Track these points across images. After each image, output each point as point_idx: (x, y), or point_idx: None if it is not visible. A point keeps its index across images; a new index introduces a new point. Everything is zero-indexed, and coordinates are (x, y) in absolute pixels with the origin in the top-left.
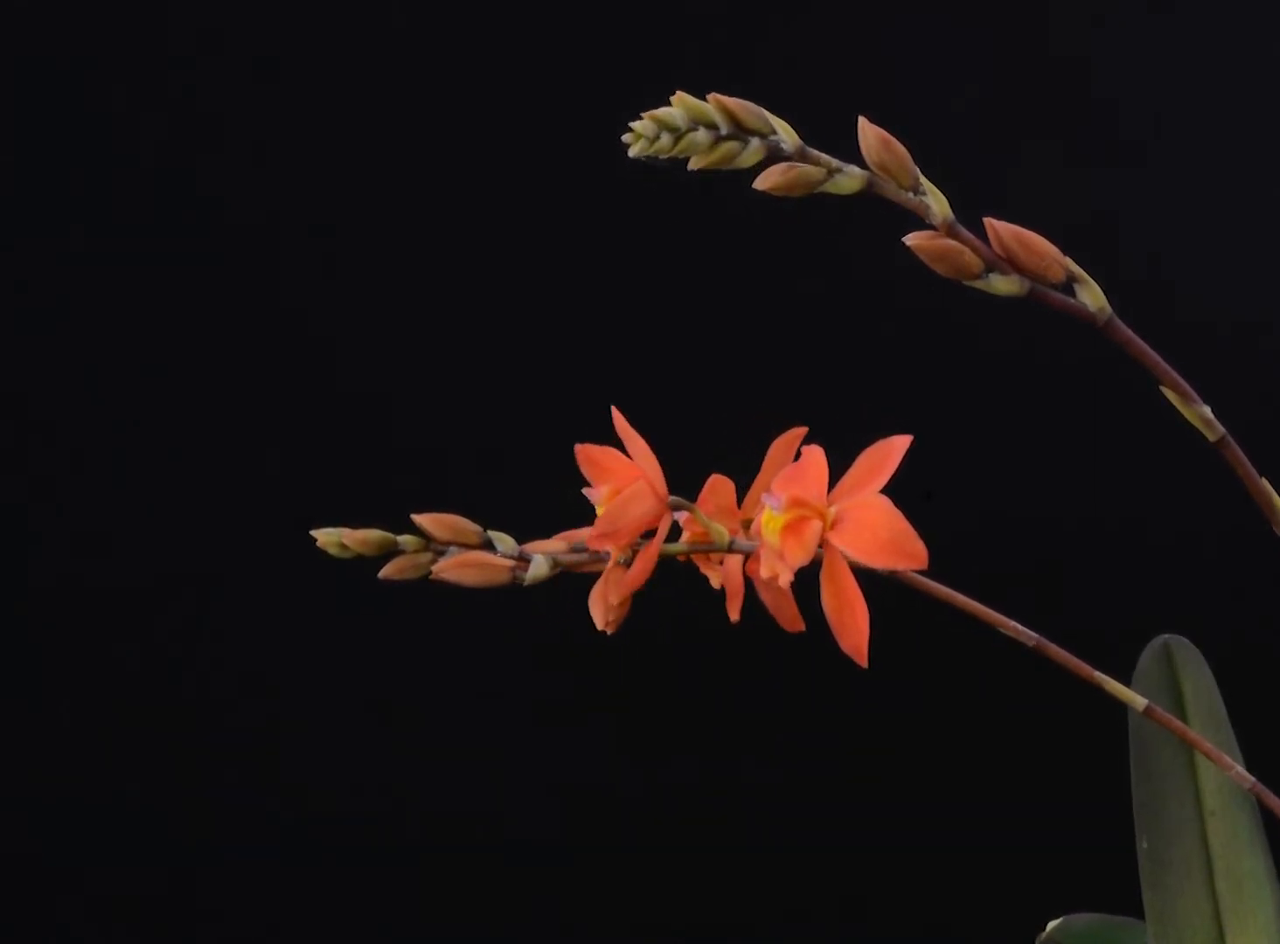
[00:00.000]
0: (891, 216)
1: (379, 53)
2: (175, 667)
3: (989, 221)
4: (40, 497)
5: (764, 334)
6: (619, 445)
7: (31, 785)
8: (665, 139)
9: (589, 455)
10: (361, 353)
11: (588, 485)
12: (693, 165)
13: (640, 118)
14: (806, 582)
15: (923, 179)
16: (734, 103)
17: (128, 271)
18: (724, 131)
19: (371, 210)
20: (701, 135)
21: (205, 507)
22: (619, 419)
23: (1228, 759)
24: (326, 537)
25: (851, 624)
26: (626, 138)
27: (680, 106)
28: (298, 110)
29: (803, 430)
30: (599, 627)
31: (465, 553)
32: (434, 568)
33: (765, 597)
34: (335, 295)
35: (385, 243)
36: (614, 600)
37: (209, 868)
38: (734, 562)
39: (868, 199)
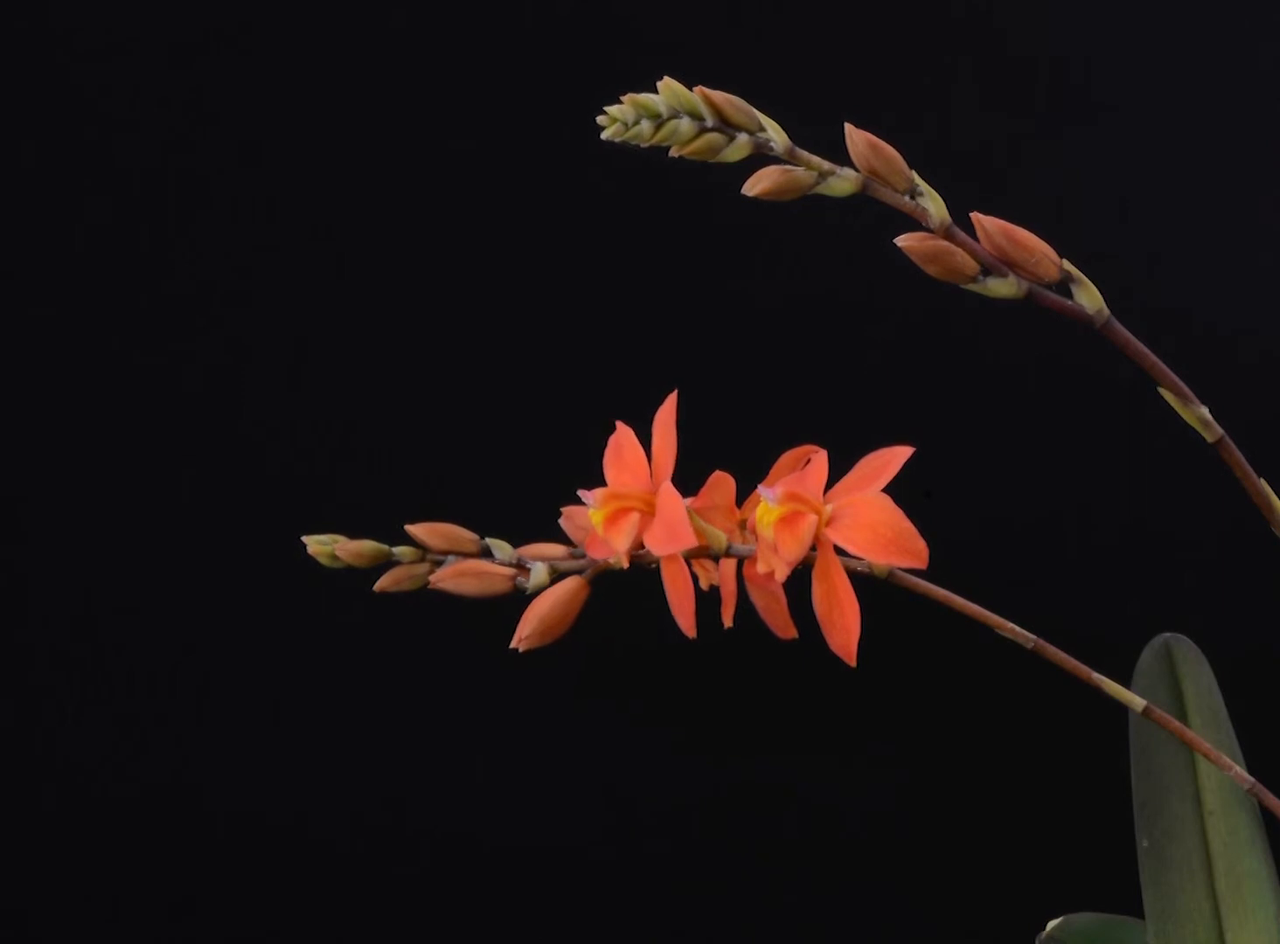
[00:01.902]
0: (893, 217)
1: (379, 53)
2: (175, 667)
3: (976, 217)
4: (40, 496)
5: (762, 337)
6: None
7: (31, 785)
8: (645, 125)
9: (619, 441)
10: (361, 353)
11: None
12: (673, 153)
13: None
14: (801, 588)
15: (919, 181)
16: (720, 96)
17: (128, 272)
18: (709, 124)
19: (371, 211)
20: (685, 124)
21: (205, 507)
22: (667, 409)
23: (1227, 759)
24: (318, 546)
25: (841, 623)
26: (601, 120)
27: (666, 94)
28: (297, 110)
29: (813, 448)
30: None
31: (463, 562)
32: (431, 578)
33: (757, 601)
34: (334, 297)
35: (384, 245)
36: (686, 615)
37: (209, 870)
38: (729, 565)
39: (867, 201)
